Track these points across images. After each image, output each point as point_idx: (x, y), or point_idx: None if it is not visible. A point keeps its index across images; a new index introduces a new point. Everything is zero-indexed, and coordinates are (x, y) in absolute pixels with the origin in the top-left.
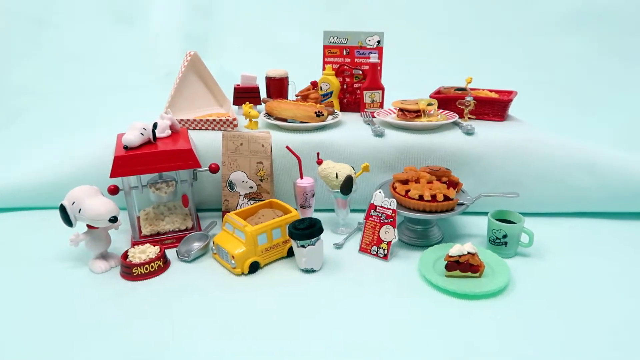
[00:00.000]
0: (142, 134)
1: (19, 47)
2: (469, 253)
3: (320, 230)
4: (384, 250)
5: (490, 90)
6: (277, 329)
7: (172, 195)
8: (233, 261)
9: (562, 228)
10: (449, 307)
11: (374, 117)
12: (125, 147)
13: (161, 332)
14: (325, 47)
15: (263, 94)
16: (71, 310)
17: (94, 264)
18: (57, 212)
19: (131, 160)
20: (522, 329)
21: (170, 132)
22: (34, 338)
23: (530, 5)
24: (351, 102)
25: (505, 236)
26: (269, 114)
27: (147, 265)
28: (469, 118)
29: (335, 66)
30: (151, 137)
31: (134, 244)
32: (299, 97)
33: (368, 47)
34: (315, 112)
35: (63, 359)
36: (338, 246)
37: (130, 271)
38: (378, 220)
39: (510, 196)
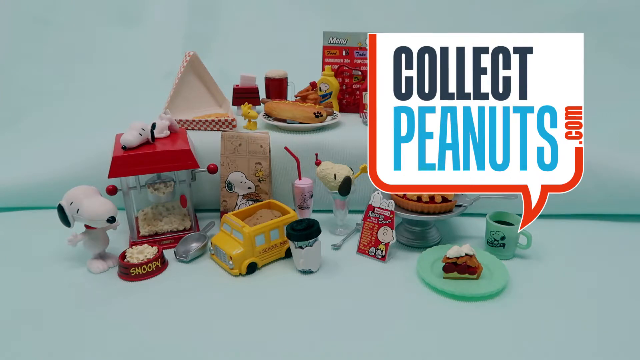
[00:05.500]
0: (140, 134)
1: (19, 47)
2: (466, 255)
3: (318, 231)
4: (382, 251)
5: None
6: (275, 330)
7: (170, 195)
8: (231, 262)
9: (561, 230)
10: (446, 309)
11: None
12: (124, 147)
13: (158, 332)
14: (324, 47)
15: (262, 94)
16: (69, 310)
17: (92, 264)
18: (56, 212)
19: (129, 161)
20: (521, 331)
21: (169, 132)
22: (32, 338)
23: (531, 6)
24: (350, 103)
25: (503, 238)
26: (268, 115)
27: (144, 266)
28: None
29: (335, 67)
30: (150, 137)
31: (132, 244)
32: (298, 97)
33: (367, 47)
34: (314, 113)
35: (60, 359)
36: (336, 247)
37: (128, 271)
38: (376, 222)
39: (508, 198)
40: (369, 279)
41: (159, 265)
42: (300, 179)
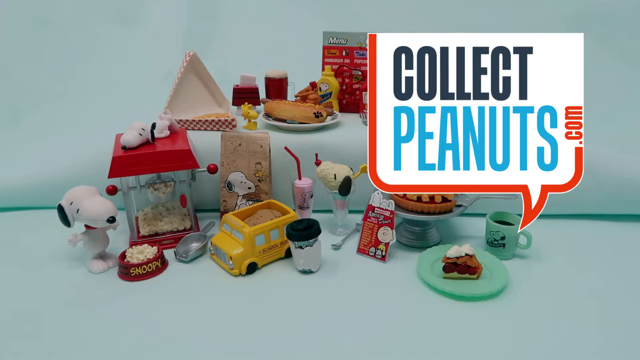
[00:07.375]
0: (140, 134)
1: (19, 46)
2: (466, 255)
3: (318, 231)
4: (382, 251)
5: None
6: (275, 330)
7: (170, 195)
8: (231, 262)
9: (561, 230)
10: (446, 309)
11: None
12: (124, 147)
13: (158, 332)
14: (324, 47)
15: (262, 94)
16: (69, 310)
17: (92, 264)
18: (56, 212)
19: (129, 161)
20: (520, 331)
21: (169, 132)
22: (32, 338)
23: (531, 6)
24: (350, 103)
25: (503, 238)
26: (268, 115)
27: (144, 266)
28: None
29: (335, 67)
30: (150, 137)
31: (132, 244)
32: (298, 97)
33: (367, 47)
34: (314, 113)
35: (60, 359)
36: (336, 247)
37: (128, 271)
38: (376, 222)
39: (508, 198)
40: (369, 279)
41: (159, 265)
42: (300, 179)
